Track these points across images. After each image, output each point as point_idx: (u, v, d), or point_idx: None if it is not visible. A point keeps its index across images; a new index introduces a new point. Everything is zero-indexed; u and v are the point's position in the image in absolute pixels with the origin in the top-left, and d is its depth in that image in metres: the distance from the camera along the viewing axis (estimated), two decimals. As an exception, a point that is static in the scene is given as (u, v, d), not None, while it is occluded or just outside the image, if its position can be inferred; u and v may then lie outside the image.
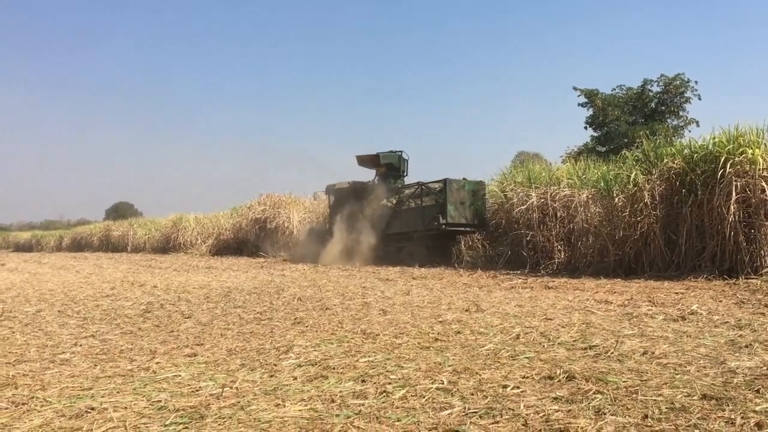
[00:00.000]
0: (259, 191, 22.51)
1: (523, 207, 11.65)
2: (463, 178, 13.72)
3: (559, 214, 11.34)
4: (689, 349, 3.93)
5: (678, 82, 34.04)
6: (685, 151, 9.63)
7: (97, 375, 3.52)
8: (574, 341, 4.27)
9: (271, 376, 3.47)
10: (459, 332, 4.77)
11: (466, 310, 6.09)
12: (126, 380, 3.38)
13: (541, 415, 2.59)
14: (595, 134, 35.69)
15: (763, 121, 9.19)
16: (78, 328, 5.35)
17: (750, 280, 7.81)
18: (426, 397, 2.89)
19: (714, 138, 9.28)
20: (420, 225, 13.71)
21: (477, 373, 3.33)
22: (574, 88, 36.54)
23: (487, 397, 2.87)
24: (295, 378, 3.38)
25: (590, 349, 3.99)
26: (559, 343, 4.20)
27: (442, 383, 3.12)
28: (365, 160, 15.44)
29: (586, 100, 35.69)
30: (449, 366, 3.52)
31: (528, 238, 11.53)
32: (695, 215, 9.17)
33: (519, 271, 11.11)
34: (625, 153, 10.46)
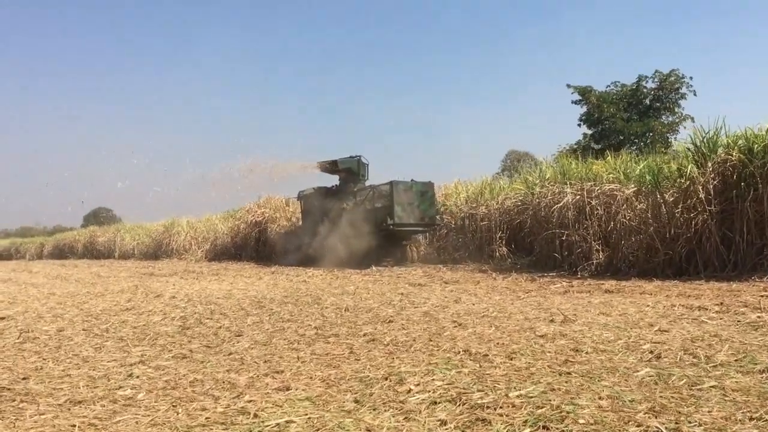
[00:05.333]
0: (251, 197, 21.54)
1: (557, 205, 10.99)
2: (411, 180, 14.01)
3: (596, 212, 10.70)
4: None
5: (673, 78, 33.82)
6: (740, 141, 9.02)
7: (187, 423, 2.74)
8: (736, 361, 3.57)
9: (408, 418, 2.73)
10: (578, 350, 4.06)
11: (551, 321, 5.38)
12: (230, 431, 2.61)
13: None
14: (589, 132, 35.37)
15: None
16: (119, 352, 4.55)
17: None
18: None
19: (775, 127, 8.72)
20: (373, 226, 13.99)
21: (682, 413, 2.62)
22: (568, 86, 36.19)
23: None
24: (444, 423, 2.64)
25: (770, 371, 3.30)
26: (720, 365, 3.49)
27: (658, 431, 2.40)
28: (325, 167, 15.69)
29: (580, 98, 35.34)
30: (631, 400, 2.80)
31: (563, 238, 10.89)
32: (754, 211, 8.58)
33: (554, 273, 10.48)
34: (675, 144, 9.77)
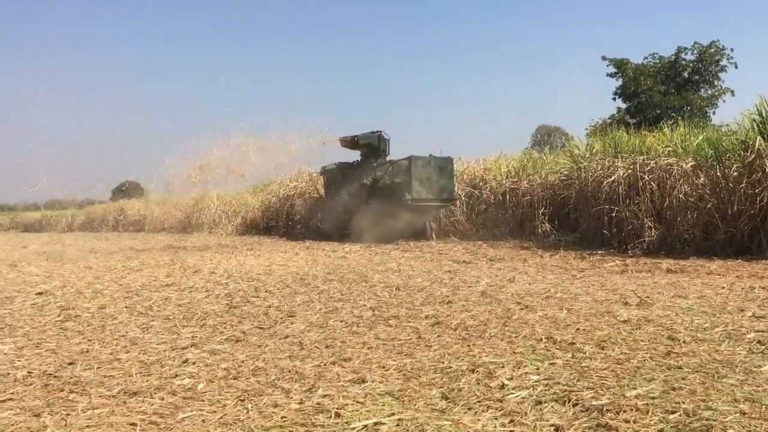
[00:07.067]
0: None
1: (607, 180, 10.48)
2: (430, 155, 13.71)
3: (649, 187, 10.18)
4: None
5: (713, 50, 32.57)
6: (811, 112, 8.43)
7: (262, 424, 2.40)
8: None
9: (514, 422, 2.36)
10: (673, 339, 3.66)
11: (626, 304, 4.98)
12: (314, 435, 2.27)
13: None
14: (624, 105, 34.37)
15: None
16: (167, 333, 4.24)
17: None
18: None
19: None
20: (393, 201, 13.81)
21: None
22: (603, 58, 35.09)
23: None
24: (559, 430, 2.26)
25: None
26: None
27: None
28: (347, 143, 15.56)
29: (616, 70, 34.28)
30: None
31: (613, 215, 10.40)
32: (825, 187, 8.04)
33: (603, 251, 10.02)
34: (742, 114, 9.17)
